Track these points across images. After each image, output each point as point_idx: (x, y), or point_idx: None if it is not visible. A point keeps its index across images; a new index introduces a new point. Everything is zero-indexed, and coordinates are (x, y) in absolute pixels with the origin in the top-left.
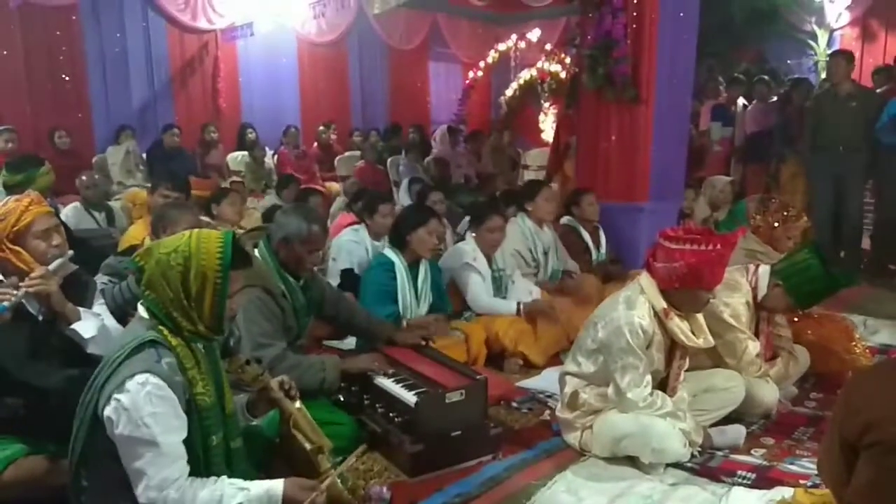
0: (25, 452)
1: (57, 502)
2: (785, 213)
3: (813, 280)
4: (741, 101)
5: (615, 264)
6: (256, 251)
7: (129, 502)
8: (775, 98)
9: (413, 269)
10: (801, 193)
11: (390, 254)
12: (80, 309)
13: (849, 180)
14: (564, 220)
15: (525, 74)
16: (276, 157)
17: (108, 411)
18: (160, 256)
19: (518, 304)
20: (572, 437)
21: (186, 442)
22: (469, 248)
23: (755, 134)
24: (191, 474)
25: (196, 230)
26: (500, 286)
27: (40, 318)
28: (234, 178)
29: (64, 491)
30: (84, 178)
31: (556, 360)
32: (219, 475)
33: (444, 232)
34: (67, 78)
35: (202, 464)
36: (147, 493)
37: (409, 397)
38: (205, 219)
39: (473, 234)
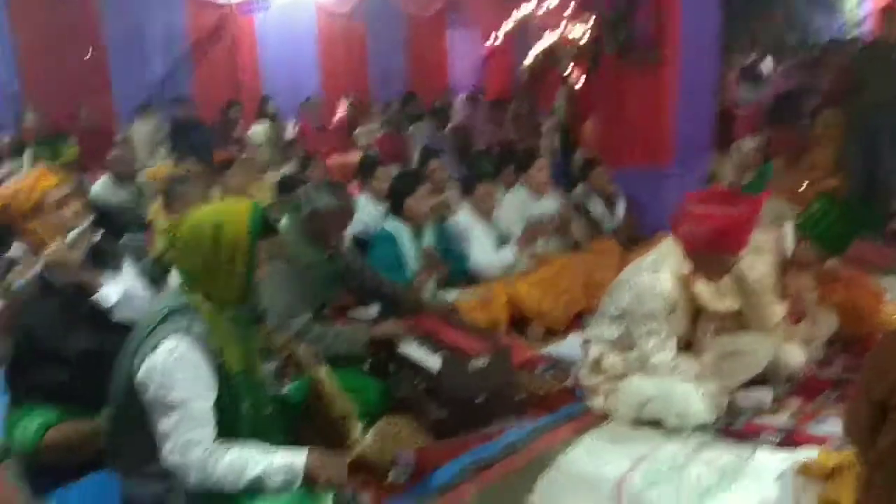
0: (63, 418)
1: (93, 466)
2: (813, 174)
3: (835, 223)
4: (769, 61)
5: (629, 230)
6: (282, 223)
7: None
8: (806, 58)
9: (417, 236)
10: (829, 155)
11: (391, 226)
12: (102, 277)
13: (888, 138)
14: (575, 191)
15: (546, 40)
16: (296, 128)
17: (140, 376)
18: (191, 225)
19: (512, 246)
20: (596, 402)
21: (216, 407)
22: (465, 216)
23: (784, 95)
24: (220, 437)
25: (225, 200)
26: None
27: (67, 289)
28: (246, 154)
29: (100, 455)
30: (116, 152)
31: (577, 324)
32: (247, 440)
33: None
34: (89, 54)
35: (231, 429)
36: (171, 455)
37: (434, 364)
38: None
39: (467, 204)
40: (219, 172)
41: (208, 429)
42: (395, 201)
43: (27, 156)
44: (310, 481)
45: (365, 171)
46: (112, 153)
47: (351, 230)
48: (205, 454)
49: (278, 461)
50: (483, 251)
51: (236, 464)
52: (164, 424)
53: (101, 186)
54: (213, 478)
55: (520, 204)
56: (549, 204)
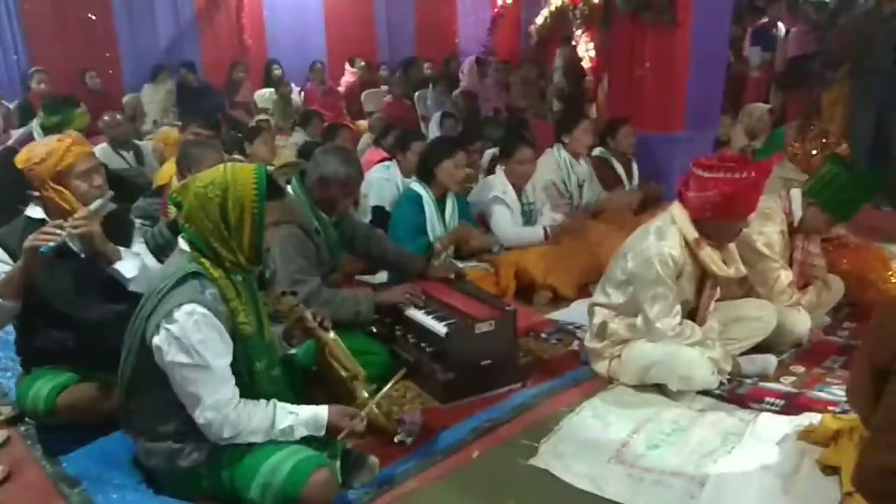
0: (76, 381)
1: (107, 426)
2: (824, 141)
3: (843, 188)
4: (781, 24)
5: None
6: (289, 187)
7: (176, 423)
8: (818, 21)
9: (441, 202)
10: (839, 121)
11: (418, 187)
12: (122, 249)
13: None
14: (597, 151)
15: (556, 1)
16: (302, 93)
17: (157, 340)
18: (197, 190)
19: (544, 228)
20: (601, 366)
21: (233, 368)
22: (498, 181)
23: (797, 59)
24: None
25: (229, 164)
26: (529, 220)
27: (82, 255)
28: (262, 116)
29: (113, 416)
30: (107, 118)
31: (584, 292)
32: (266, 399)
33: (474, 171)
34: (94, 17)
35: (249, 389)
36: (205, 413)
37: (440, 328)
38: (237, 157)
39: (503, 167)
40: (243, 140)
41: (232, 384)
42: (427, 165)
43: (36, 122)
44: (332, 432)
45: (400, 144)
46: (103, 118)
47: (374, 201)
48: (236, 411)
49: (304, 414)
50: (508, 222)
51: (266, 418)
52: (191, 387)
53: (99, 152)
54: (245, 432)
55: (560, 166)
56: (584, 167)
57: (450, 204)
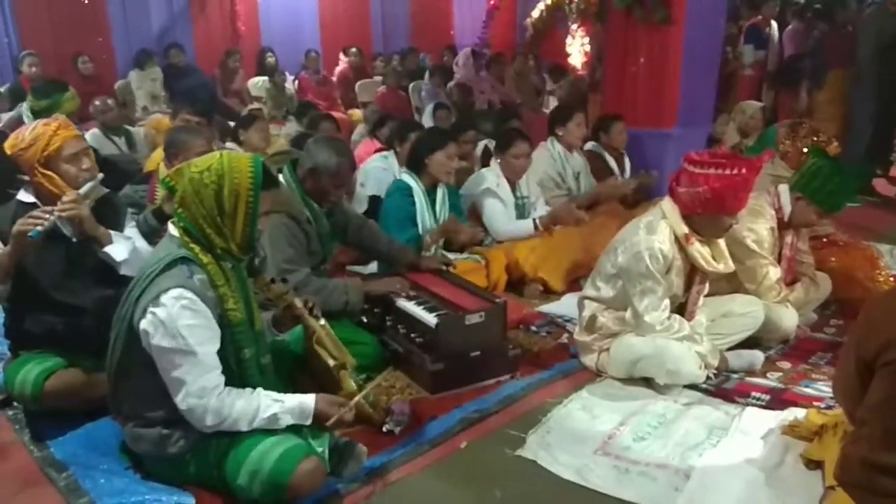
0: (64, 365)
1: (95, 412)
2: (815, 139)
3: (829, 179)
4: (774, 23)
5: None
6: (281, 177)
7: (165, 409)
8: (812, 20)
9: (431, 193)
10: (833, 121)
11: (408, 178)
12: (112, 232)
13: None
14: (589, 145)
15: None
16: (296, 82)
17: (143, 324)
18: (193, 175)
19: (534, 220)
20: (589, 360)
21: (220, 355)
22: (492, 174)
23: (791, 57)
24: (226, 386)
25: (225, 152)
26: (523, 213)
27: (74, 239)
28: (254, 105)
29: (102, 401)
30: (97, 103)
31: (575, 285)
32: (253, 387)
33: (469, 164)
34: (87, 1)
35: (237, 377)
36: (187, 399)
37: (430, 319)
38: (230, 145)
39: (498, 161)
40: (238, 128)
41: (217, 372)
42: (418, 156)
43: (25, 105)
44: (320, 421)
45: (398, 135)
46: (94, 103)
47: (372, 191)
48: (219, 398)
49: (290, 402)
50: (501, 216)
51: (250, 406)
52: (176, 371)
53: (91, 137)
54: (229, 420)
55: (554, 158)
56: (578, 159)
57: (440, 195)
